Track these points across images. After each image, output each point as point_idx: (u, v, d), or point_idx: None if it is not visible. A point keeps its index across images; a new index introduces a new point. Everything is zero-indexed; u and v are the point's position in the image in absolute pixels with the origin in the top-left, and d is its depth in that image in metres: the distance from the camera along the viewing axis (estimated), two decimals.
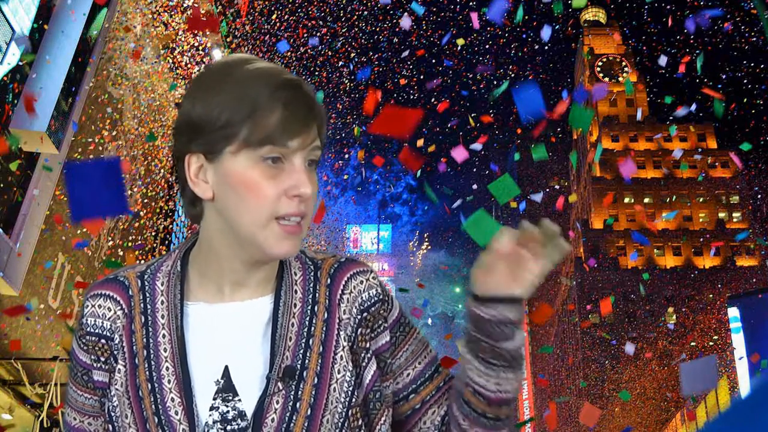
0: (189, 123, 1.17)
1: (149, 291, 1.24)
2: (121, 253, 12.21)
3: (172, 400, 1.16)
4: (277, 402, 1.15)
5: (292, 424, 1.14)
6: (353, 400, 1.20)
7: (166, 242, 15.20)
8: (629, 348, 9.87)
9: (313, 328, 1.22)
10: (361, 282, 1.27)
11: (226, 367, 1.18)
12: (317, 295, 1.25)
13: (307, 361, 1.19)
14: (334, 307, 1.24)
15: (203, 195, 1.18)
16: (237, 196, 1.14)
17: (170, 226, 15.55)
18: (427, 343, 1.34)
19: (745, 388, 21.01)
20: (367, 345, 1.25)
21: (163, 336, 1.20)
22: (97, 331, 1.22)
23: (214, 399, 1.17)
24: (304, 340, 1.20)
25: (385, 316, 1.28)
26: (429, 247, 69.75)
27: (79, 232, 10.31)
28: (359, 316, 1.25)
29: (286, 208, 1.13)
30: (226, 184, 1.15)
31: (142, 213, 13.34)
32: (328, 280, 1.26)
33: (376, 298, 1.27)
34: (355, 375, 1.22)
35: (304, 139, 1.15)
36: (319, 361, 1.19)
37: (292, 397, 1.16)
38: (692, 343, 40.09)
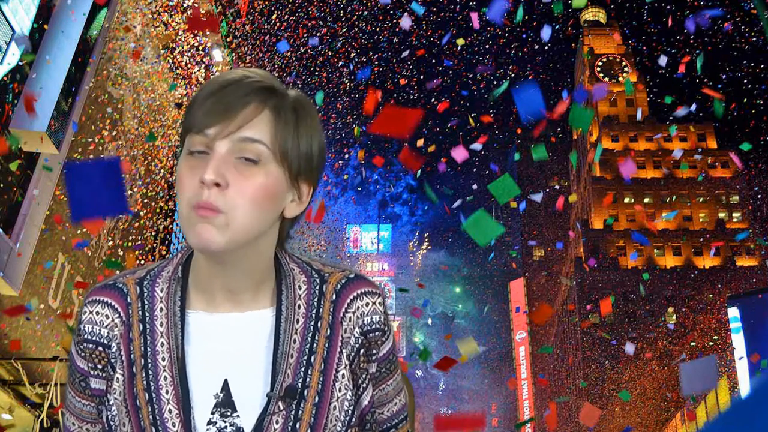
0: None
1: (148, 298, 1.22)
2: (121, 253, 12.21)
3: (170, 411, 1.14)
4: (277, 422, 1.14)
5: None
6: (353, 419, 1.19)
7: (166, 242, 15.20)
8: (629, 348, 9.87)
9: (315, 345, 1.19)
10: (367, 304, 1.24)
11: (226, 381, 1.17)
12: (321, 310, 1.22)
13: (308, 379, 1.17)
14: (337, 324, 1.21)
15: None
16: (177, 195, 1.15)
17: (170, 226, 15.54)
18: (402, 388, 1.33)
19: (745, 388, 21.01)
20: (366, 366, 1.24)
21: (162, 345, 1.18)
22: (94, 338, 1.21)
23: (212, 413, 1.15)
24: (306, 358, 1.18)
25: (378, 346, 1.25)
26: (429, 247, 69.71)
27: (79, 232, 10.31)
28: (361, 337, 1.23)
29: (197, 197, 1.09)
30: None
31: (142, 213, 13.33)
32: (334, 296, 1.23)
33: (377, 325, 1.24)
34: (354, 394, 1.20)
35: (223, 126, 1.09)
36: (321, 379, 1.17)
37: (292, 417, 1.14)
38: (692, 343, 40.08)
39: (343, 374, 1.19)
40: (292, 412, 1.14)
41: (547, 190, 62.98)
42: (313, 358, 1.18)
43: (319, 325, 1.21)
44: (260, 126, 1.12)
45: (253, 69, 1.18)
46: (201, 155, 1.11)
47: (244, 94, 1.11)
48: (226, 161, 1.09)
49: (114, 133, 11.79)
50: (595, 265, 52.73)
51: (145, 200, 13.56)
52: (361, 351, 1.23)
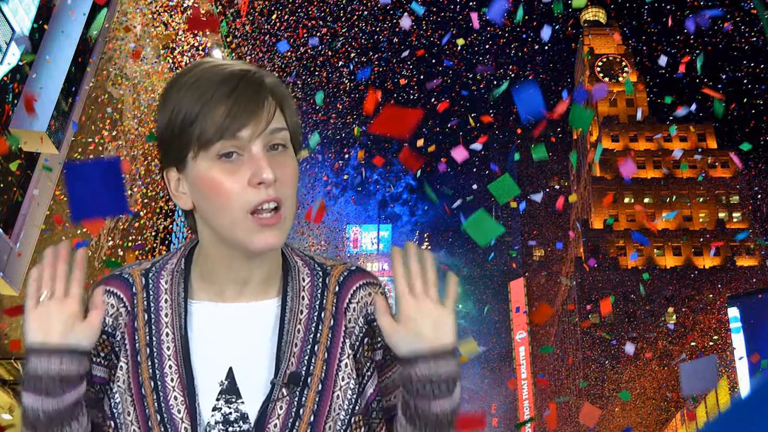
0: (158, 139, 1.19)
1: (153, 289, 1.24)
2: (121, 253, 12.21)
3: (175, 398, 1.16)
4: (281, 408, 1.16)
5: (294, 430, 1.15)
6: (356, 407, 1.20)
7: (166, 242, 15.21)
8: (629, 348, 9.88)
9: (319, 335, 1.21)
10: (370, 294, 1.26)
11: (231, 369, 1.19)
12: (324, 301, 1.24)
13: (312, 367, 1.19)
14: (341, 314, 1.24)
15: (185, 207, 1.19)
16: (207, 201, 1.14)
17: (170, 226, 15.56)
18: None
19: (745, 388, 21.01)
20: (371, 355, 1.26)
21: (167, 334, 1.20)
22: None
23: (217, 400, 1.17)
24: (309, 347, 1.20)
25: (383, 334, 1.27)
26: (429, 247, 69.67)
27: (79, 232, 10.31)
28: (365, 327, 1.25)
29: (255, 197, 1.11)
30: (197, 191, 1.15)
31: (142, 213, 13.34)
32: (337, 288, 1.26)
33: None
34: (358, 383, 1.22)
35: (255, 126, 1.12)
36: (324, 368, 1.20)
37: (295, 403, 1.16)
38: (692, 343, 40.06)
39: (346, 363, 1.21)
40: (296, 399, 1.16)
41: (547, 190, 62.99)
42: (316, 347, 1.20)
43: (322, 315, 1.23)
44: (278, 114, 1.16)
45: (238, 61, 1.20)
46: (232, 157, 1.12)
47: (258, 89, 1.13)
48: (265, 157, 1.12)
49: (114, 133, 11.80)
50: (595, 265, 52.75)
51: (145, 200, 13.57)
52: (365, 340, 1.24)
